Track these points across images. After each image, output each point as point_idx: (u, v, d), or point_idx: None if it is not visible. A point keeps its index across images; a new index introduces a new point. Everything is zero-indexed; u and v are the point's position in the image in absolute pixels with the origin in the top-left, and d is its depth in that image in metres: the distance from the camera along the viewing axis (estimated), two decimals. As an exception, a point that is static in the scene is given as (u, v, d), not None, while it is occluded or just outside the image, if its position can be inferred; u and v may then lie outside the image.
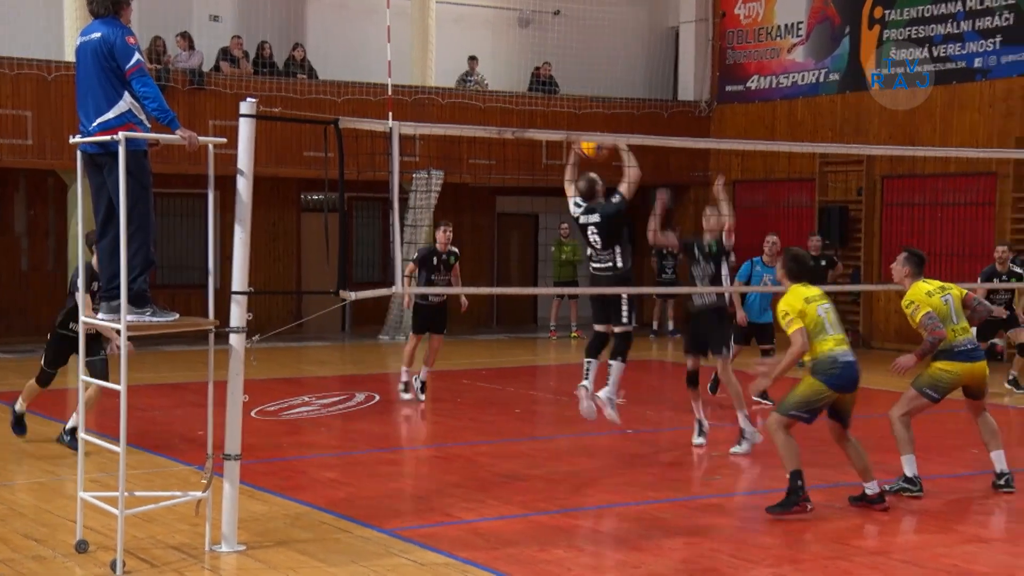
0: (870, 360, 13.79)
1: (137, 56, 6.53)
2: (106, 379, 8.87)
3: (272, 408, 11.99)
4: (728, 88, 21.59)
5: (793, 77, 20.49)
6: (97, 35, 6.60)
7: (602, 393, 9.67)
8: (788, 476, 7.70)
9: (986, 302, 8.82)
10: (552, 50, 21.13)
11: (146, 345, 16.37)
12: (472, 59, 20.50)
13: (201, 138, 6.69)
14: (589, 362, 9.74)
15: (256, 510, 7.72)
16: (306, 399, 12.81)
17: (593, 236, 9.65)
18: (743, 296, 12.32)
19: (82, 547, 6.75)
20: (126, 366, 6.39)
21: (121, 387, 6.38)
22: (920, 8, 18.55)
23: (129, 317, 6.45)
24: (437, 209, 19.23)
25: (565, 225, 20.56)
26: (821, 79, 20.02)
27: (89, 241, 8.26)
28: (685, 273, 9.02)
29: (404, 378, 12.84)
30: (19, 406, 9.95)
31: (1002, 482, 8.46)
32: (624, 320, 9.61)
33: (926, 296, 8.26)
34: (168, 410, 12.01)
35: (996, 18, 17.58)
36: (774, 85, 20.85)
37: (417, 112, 18.22)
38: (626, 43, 22.00)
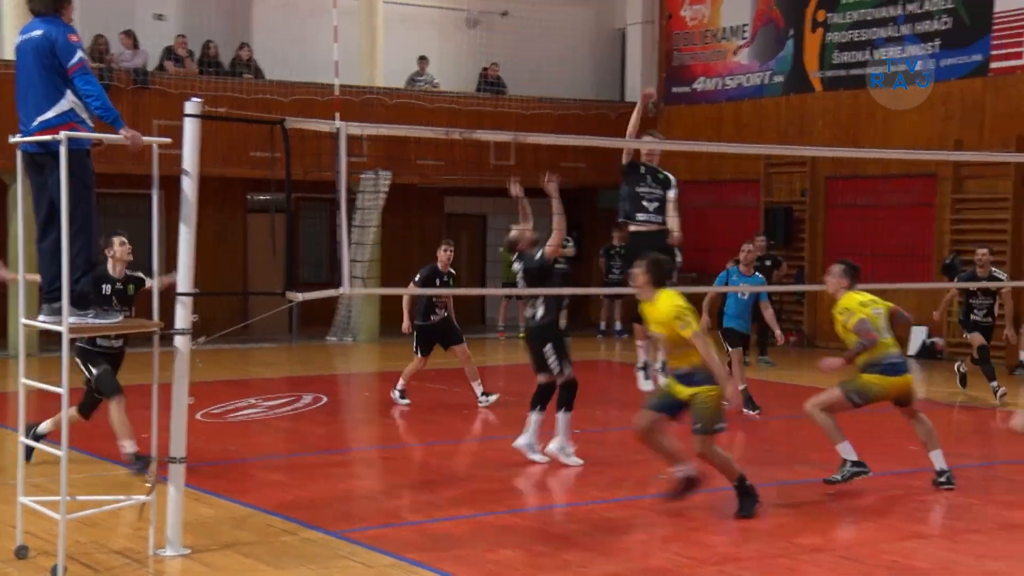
0: (814, 359, 13.95)
1: (80, 54, 6.46)
2: (118, 390, 8.77)
3: (218, 411, 11.89)
4: (675, 90, 21.75)
5: (739, 79, 20.69)
6: (39, 32, 6.51)
7: (553, 446, 9.37)
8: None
9: (906, 313, 8.96)
10: (500, 51, 21.16)
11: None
12: (422, 59, 20.47)
13: (146, 138, 6.63)
14: (532, 415, 9.38)
15: (202, 513, 7.66)
16: (253, 401, 12.72)
17: (521, 284, 9.65)
18: (721, 305, 12.33)
19: (22, 553, 6.65)
20: (67, 369, 6.30)
21: (63, 390, 6.30)
22: (861, 12, 18.82)
23: (71, 319, 6.37)
24: (385, 210, 19.18)
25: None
26: (766, 81, 20.23)
27: (104, 245, 8.08)
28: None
29: (401, 386, 12.48)
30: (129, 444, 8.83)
31: (943, 479, 8.63)
32: (554, 369, 9.35)
33: (859, 307, 8.47)
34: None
35: (935, 22, 17.89)
36: (720, 87, 21.04)
37: (364, 112, 18.15)
38: (573, 44, 22.09)
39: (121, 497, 7.39)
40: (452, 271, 12.49)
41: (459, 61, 21.35)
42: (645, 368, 10.01)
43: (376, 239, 19.21)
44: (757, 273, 12.30)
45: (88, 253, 6.55)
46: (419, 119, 18.19)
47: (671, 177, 9.94)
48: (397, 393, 12.57)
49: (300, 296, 7.24)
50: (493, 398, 12.41)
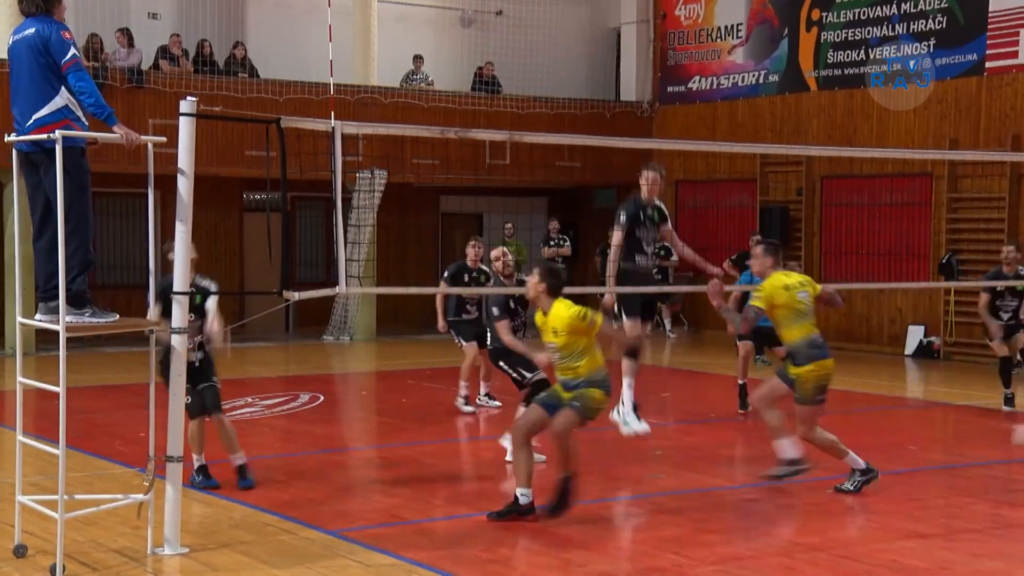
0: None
1: (73, 51, 6.44)
2: (218, 408, 8.35)
3: (214, 410, 11.85)
4: (670, 89, 21.75)
5: (733, 78, 20.70)
6: (32, 31, 6.50)
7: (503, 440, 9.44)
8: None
9: (837, 295, 8.74)
10: (495, 50, 21.16)
11: (85, 346, 16.14)
12: (417, 58, 20.46)
13: (141, 137, 6.61)
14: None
15: (199, 512, 7.65)
16: (249, 400, 12.70)
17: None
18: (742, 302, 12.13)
19: (21, 552, 6.63)
20: (64, 367, 6.29)
21: (60, 389, 6.29)
22: (856, 11, 18.83)
23: (68, 318, 6.36)
24: (381, 209, 19.16)
25: (509, 225, 20.60)
26: (761, 80, 20.24)
27: (166, 250, 7.36)
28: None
29: (464, 392, 12.05)
30: (196, 460, 8.48)
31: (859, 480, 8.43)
32: (519, 380, 9.32)
33: (783, 289, 8.19)
34: (108, 412, 11.84)
35: (930, 21, 17.91)
36: (715, 86, 21.04)
37: (360, 111, 18.14)
38: (568, 44, 22.09)
39: (119, 496, 7.37)
40: (484, 268, 12.03)
41: (454, 60, 21.34)
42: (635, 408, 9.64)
43: (372, 238, 19.18)
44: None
45: (84, 252, 6.54)
46: (414, 118, 18.19)
47: (664, 209, 9.91)
48: (461, 400, 11.99)
49: (296, 295, 7.23)
50: (494, 404, 12.25)
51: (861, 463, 8.37)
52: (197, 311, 8.06)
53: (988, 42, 17.22)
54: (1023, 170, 16.81)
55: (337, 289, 7.47)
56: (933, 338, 17.79)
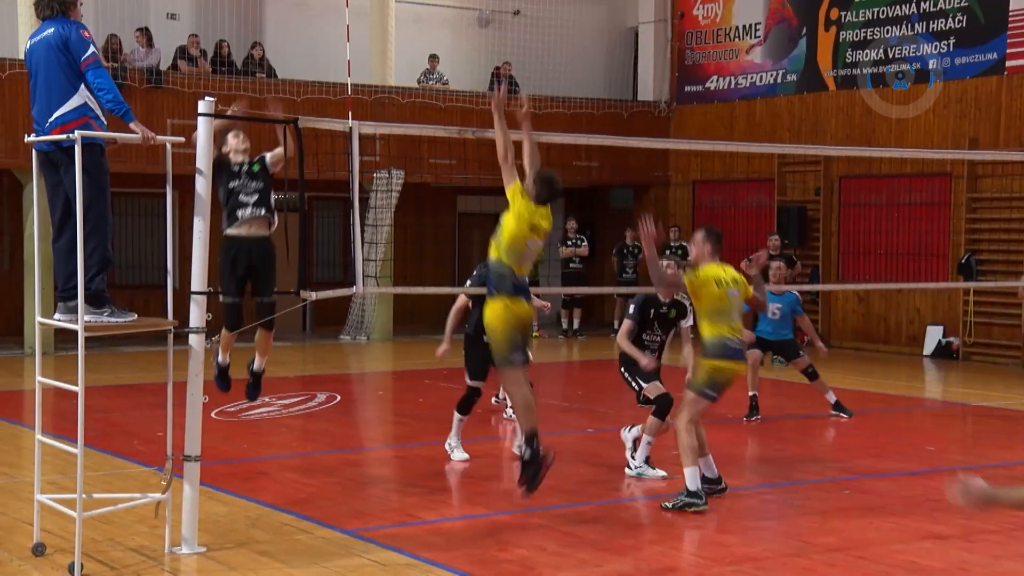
0: (829, 358, 13.92)
1: (92, 48, 6.49)
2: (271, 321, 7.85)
3: (232, 409, 11.90)
4: (687, 88, 21.71)
5: (751, 78, 20.64)
6: (51, 30, 6.54)
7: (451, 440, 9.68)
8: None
9: (762, 299, 8.50)
10: (512, 50, 21.15)
11: (103, 346, 16.21)
12: (433, 57, 20.48)
13: (159, 137, 6.64)
14: (460, 419, 9.72)
15: (216, 511, 7.67)
16: (267, 400, 12.73)
17: None
18: (755, 318, 12.01)
19: (39, 550, 6.67)
20: (83, 366, 6.31)
21: (79, 388, 6.32)
22: (875, 10, 18.75)
23: (87, 318, 6.39)
24: (398, 209, 19.19)
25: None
26: (779, 80, 20.18)
27: None
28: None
29: (503, 393, 11.74)
30: (222, 358, 8.43)
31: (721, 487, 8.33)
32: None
33: (714, 283, 8.02)
34: (126, 411, 11.89)
35: (949, 20, 17.82)
36: (733, 86, 20.99)
37: (377, 111, 18.17)
38: (586, 43, 22.07)
39: (137, 495, 7.40)
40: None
41: (471, 60, 21.35)
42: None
43: (389, 238, 19.21)
44: (790, 291, 12.12)
45: (103, 251, 6.57)
46: (431, 118, 18.20)
47: (686, 304, 8.96)
48: (510, 412, 11.46)
49: (314, 295, 7.25)
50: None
51: (698, 481, 7.94)
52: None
53: (1008, 41, 17.12)
54: (1043, 170, 16.72)
55: (354, 289, 7.49)
56: (952, 338, 17.70)
